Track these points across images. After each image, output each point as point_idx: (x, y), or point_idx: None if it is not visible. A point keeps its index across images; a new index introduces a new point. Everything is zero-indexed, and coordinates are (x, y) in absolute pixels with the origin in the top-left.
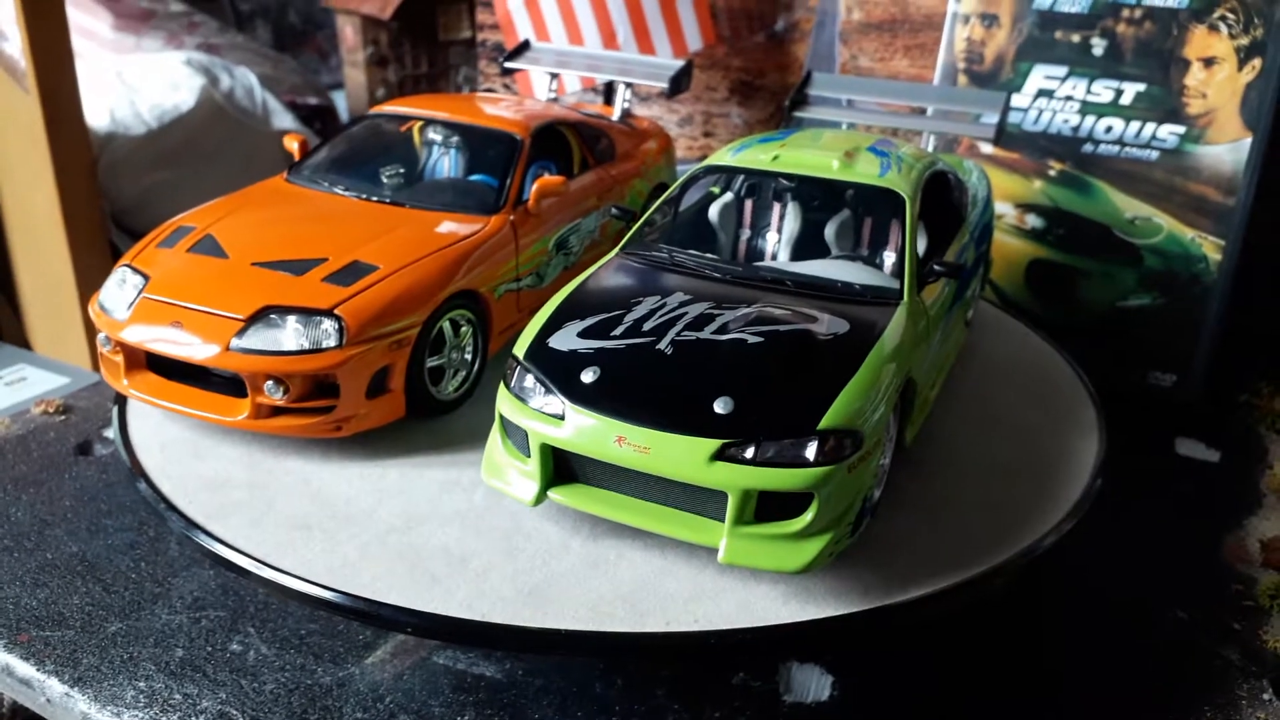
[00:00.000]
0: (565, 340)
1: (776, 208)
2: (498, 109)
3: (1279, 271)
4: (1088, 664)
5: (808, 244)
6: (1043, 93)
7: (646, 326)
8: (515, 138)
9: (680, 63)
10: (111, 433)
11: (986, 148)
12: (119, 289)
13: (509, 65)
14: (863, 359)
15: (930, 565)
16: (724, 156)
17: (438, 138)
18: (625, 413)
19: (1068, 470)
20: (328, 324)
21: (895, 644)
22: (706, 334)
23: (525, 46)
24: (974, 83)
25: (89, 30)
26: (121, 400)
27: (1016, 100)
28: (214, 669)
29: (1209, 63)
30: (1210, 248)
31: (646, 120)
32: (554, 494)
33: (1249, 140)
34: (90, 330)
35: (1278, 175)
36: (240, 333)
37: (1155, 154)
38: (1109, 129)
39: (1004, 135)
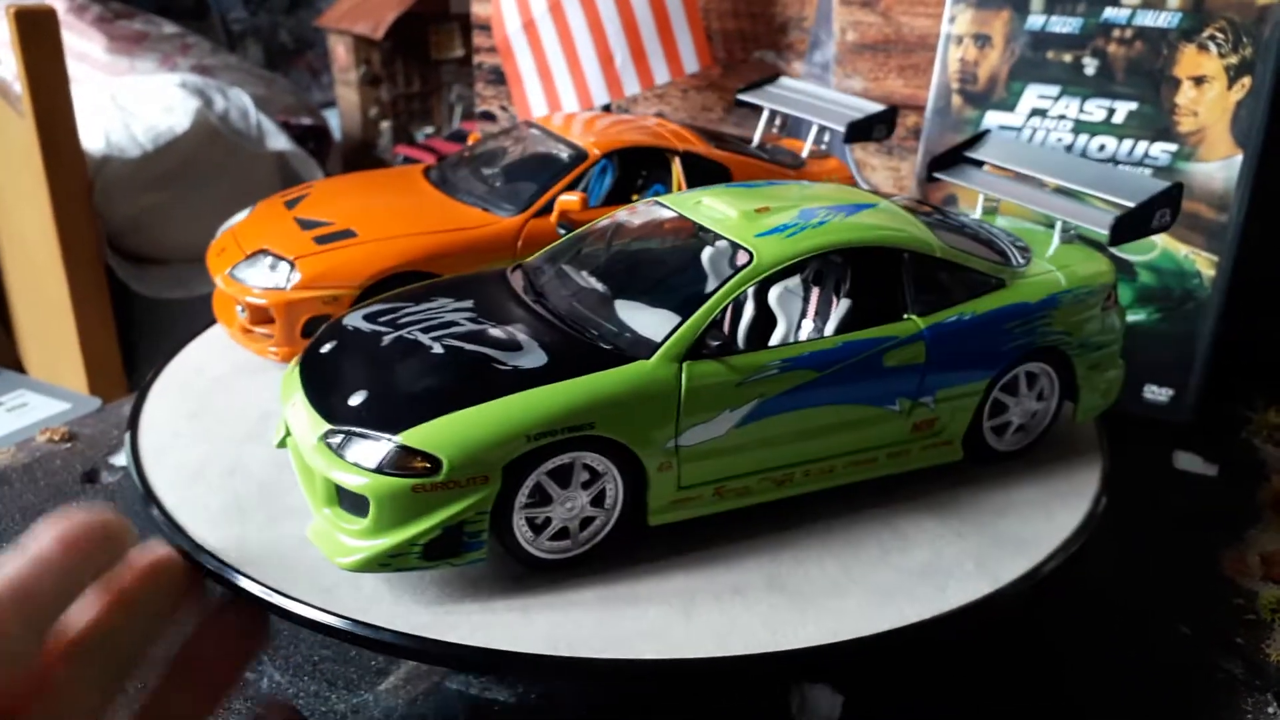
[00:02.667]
0: (353, 318)
1: (669, 248)
2: (607, 125)
3: (1272, 286)
4: (1093, 680)
5: (660, 288)
6: (1036, 112)
7: (401, 320)
8: (579, 151)
9: (877, 107)
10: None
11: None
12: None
13: (741, 98)
14: (505, 394)
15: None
16: (671, 197)
17: (533, 144)
18: (307, 383)
19: (1070, 494)
20: (284, 268)
21: (904, 664)
22: (425, 338)
23: (773, 79)
24: (968, 102)
25: (82, 53)
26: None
27: (1009, 119)
28: (228, 696)
29: (1199, 81)
30: (1204, 264)
31: (835, 161)
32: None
33: (1240, 157)
34: (85, 352)
35: (1269, 191)
36: (238, 264)
37: (1148, 172)
38: (1102, 147)
39: (1140, 235)
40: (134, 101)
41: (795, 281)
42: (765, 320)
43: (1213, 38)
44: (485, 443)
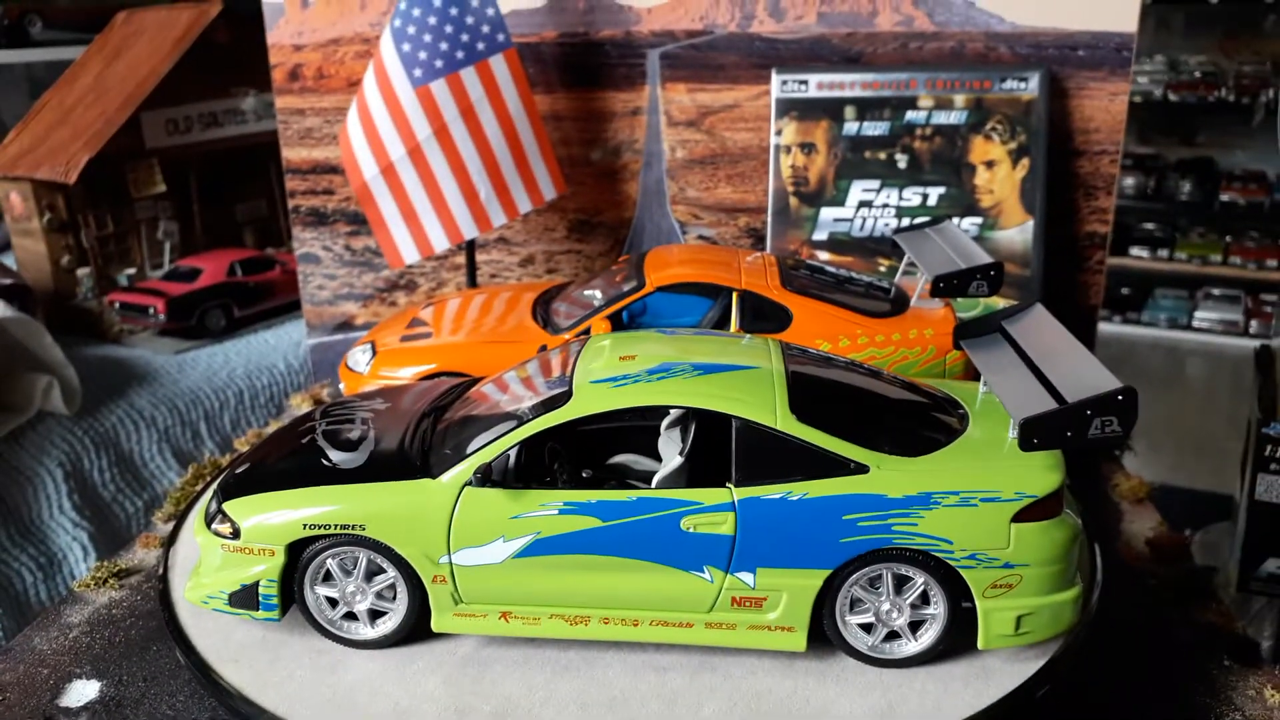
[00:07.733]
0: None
1: (532, 383)
2: (697, 263)
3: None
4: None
5: (497, 416)
6: (863, 203)
7: (334, 412)
8: (640, 281)
9: (986, 259)
10: None
11: (822, 253)
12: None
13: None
14: (310, 485)
15: None
16: (595, 338)
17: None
18: None
19: None
20: (369, 355)
21: None
22: (320, 427)
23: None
24: (803, 202)
25: None
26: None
27: (842, 213)
28: None
29: (990, 165)
30: None
31: (944, 311)
32: None
33: (1031, 222)
34: None
35: (1055, 247)
36: (354, 352)
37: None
38: None
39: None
40: None
41: (662, 426)
42: (583, 459)
43: (994, 129)
44: (271, 522)
